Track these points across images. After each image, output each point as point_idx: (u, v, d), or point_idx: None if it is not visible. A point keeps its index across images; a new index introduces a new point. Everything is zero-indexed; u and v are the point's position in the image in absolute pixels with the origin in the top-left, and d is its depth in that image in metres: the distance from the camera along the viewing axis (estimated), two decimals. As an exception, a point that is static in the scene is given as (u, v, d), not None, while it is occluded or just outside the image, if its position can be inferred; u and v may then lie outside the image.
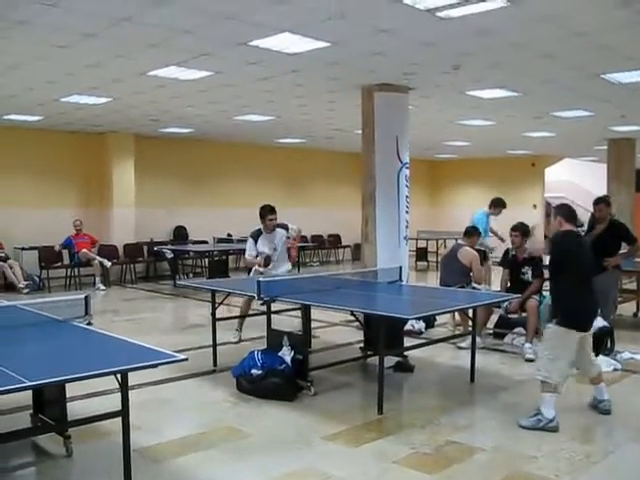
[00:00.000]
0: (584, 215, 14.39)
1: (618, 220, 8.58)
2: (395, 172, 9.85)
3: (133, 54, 7.95)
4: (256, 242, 8.80)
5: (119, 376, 3.98)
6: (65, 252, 14.59)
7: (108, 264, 14.54)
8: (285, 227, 9.07)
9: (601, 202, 8.25)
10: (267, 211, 8.86)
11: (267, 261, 8.63)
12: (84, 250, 14.29)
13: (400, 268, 8.31)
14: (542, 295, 8.38)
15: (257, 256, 8.72)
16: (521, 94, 10.61)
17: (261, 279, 6.76)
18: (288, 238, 9.08)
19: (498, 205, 11.47)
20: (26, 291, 13.25)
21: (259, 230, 8.87)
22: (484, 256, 10.46)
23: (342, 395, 6.59)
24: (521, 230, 8.47)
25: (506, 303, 8.35)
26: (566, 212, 5.82)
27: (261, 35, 7.13)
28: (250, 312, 8.79)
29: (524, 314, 8.32)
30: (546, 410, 5.43)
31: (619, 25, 6.77)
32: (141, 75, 9.08)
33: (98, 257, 14.49)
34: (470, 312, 7.39)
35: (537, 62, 8.40)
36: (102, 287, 14.31)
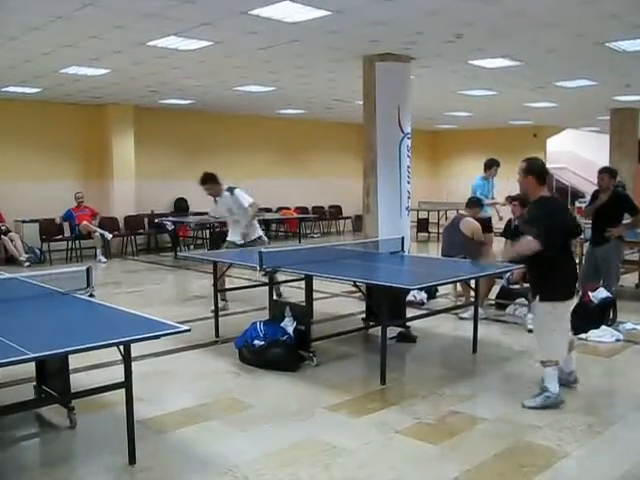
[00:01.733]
0: (585, 185, 14.40)
1: (622, 191, 8.54)
2: (396, 142, 9.80)
3: (132, 24, 7.85)
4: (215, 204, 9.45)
5: (122, 347, 3.98)
6: (66, 225, 14.58)
7: (109, 236, 14.55)
8: (231, 192, 9.29)
9: (604, 172, 8.20)
10: (200, 183, 9.33)
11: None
12: (85, 222, 14.29)
13: (402, 239, 8.29)
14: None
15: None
16: (524, 63, 10.51)
17: (263, 250, 6.74)
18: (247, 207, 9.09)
19: (490, 166, 10.83)
20: (27, 264, 13.24)
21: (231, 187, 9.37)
22: (488, 226, 10.37)
23: (345, 366, 6.60)
24: (520, 201, 8.41)
25: (508, 274, 8.35)
26: (538, 170, 5.39)
27: (261, 4, 7.04)
28: (253, 283, 8.78)
29: (526, 285, 8.30)
30: (552, 385, 5.32)
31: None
32: (140, 45, 8.98)
33: (99, 229, 14.47)
34: (472, 283, 7.39)
35: (540, 31, 8.31)
36: (103, 259, 14.30)
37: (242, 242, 8.96)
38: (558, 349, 5.42)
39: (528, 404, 5.31)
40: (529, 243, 5.14)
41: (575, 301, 5.69)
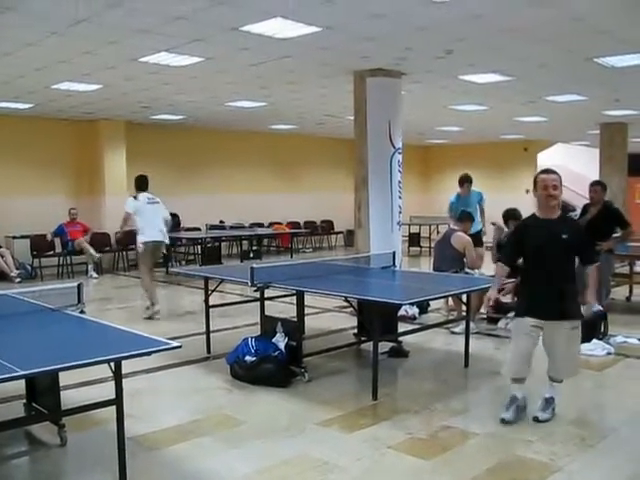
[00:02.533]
0: (575, 199, 14.48)
1: (612, 204, 8.58)
2: (388, 157, 9.83)
3: (125, 40, 7.88)
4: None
5: (113, 364, 3.95)
6: (57, 240, 14.54)
7: (96, 256, 14.54)
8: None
9: (596, 185, 8.25)
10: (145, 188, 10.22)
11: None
12: (79, 239, 14.27)
13: (394, 253, 8.31)
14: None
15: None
16: (514, 78, 10.58)
17: (255, 266, 6.74)
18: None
19: (463, 182, 10.72)
20: (18, 280, 13.18)
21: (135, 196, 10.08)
22: (479, 240, 10.42)
23: (336, 381, 6.59)
24: (514, 218, 8.47)
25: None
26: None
27: (253, 20, 7.08)
28: (243, 299, 8.78)
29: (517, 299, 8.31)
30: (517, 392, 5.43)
31: (613, 8, 6.75)
32: (132, 61, 9.01)
33: (90, 249, 14.44)
34: (464, 297, 7.40)
35: (531, 46, 8.37)
36: (95, 275, 14.27)
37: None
38: (507, 363, 5.52)
39: (540, 417, 5.30)
40: (496, 268, 5.53)
41: (551, 323, 5.20)
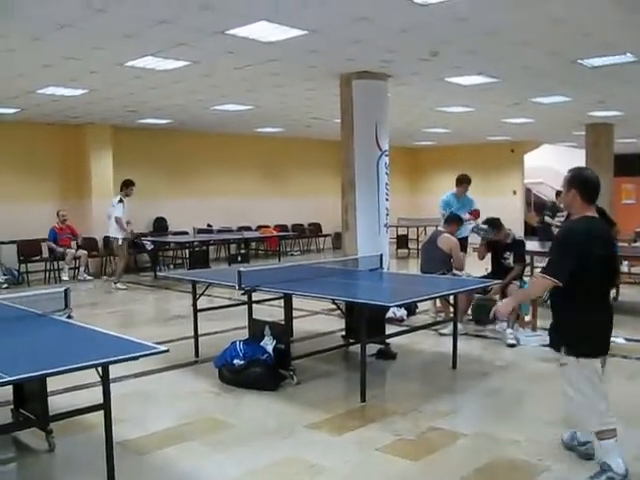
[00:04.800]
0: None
1: (596, 205, 8.62)
2: (375, 160, 9.85)
3: (109, 45, 7.87)
4: (123, 205, 13.03)
5: (100, 369, 3.95)
6: (44, 245, 14.48)
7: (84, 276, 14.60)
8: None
9: None
10: (131, 183, 13.19)
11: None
12: (71, 251, 14.30)
13: (381, 256, 8.32)
14: (523, 281, 8.43)
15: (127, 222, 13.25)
16: (500, 80, 10.62)
17: (242, 269, 6.74)
18: None
19: (462, 182, 10.76)
20: (5, 286, 13.12)
21: (121, 198, 13.13)
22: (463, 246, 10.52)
23: (325, 384, 6.60)
24: (496, 228, 8.49)
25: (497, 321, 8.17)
26: (587, 187, 4.28)
27: (238, 24, 7.08)
28: (231, 303, 8.79)
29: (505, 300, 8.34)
30: (614, 462, 4.13)
31: (595, 11, 6.79)
32: (117, 66, 9.00)
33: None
34: (451, 299, 7.42)
35: (515, 48, 8.41)
36: (88, 277, 14.31)
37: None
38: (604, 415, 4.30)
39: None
40: (541, 282, 4.28)
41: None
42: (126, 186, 13.08)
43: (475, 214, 10.46)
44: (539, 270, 4.51)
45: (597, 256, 4.12)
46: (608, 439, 4.17)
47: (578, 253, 4.08)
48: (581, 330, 4.23)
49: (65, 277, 14.05)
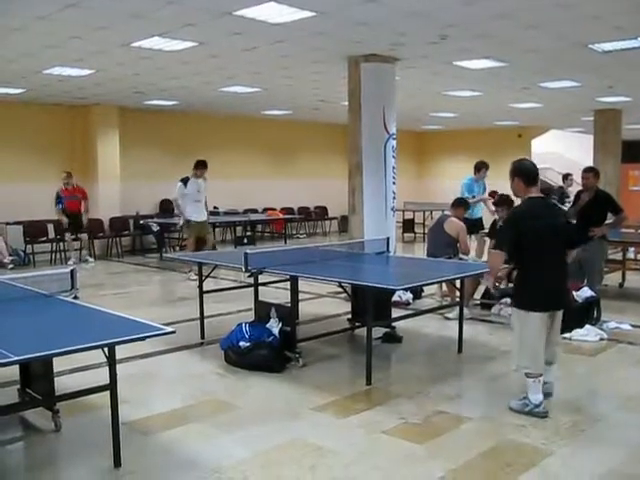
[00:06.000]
0: (570, 186, 14.54)
1: (604, 190, 8.60)
2: (382, 143, 9.81)
3: (116, 25, 7.83)
4: (185, 185, 11.89)
5: (106, 350, 3.96)
6: (51, 227, 14.48)
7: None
8: (205, 179, 12.19)
9: (590, 171, 8.26)
10: (200, 164, 12.04)
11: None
12: (69, 235, 14.09)
13: (387, 239, 8.31)
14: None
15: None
16: (508, 64, 10.55)
17: (248, 251, 6.73)
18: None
19: (480, 167, 11.41)
20: (11, 266, 13.13)
21: (187, 177, 12.04)
22: (480, 226, 10.76)
23: (330, 366, 6.60)
24: (505, 204, 8.51)
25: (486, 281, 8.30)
26: (525, 173, 5.28)
27: (246, 4, 7.03)
28: (237, 285, 8.80)
29: (511, 284, 8.32)
30: (532, 396, 5.13)
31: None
32: (124, 46, 8.96)
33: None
34: (457, 283, 7.41)
35: (524, 32, 8.34)
36: (90, 259, 14.29)
37: (204, 219, 12.19)
38: (526, 360, 5.18)
39: (510, 404, 5.27)
40: (491, 256, 5.30)
41: (556, 313, 5.26)
42: (195, 167, 12.03)
43: (493, 195, 11.27)
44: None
45: (534, 228, 5.06)
46: (532, 378, 5.15)
47: (517, 227, 5.12)
48: (520, 288, 5.29)
49: (71, 262, 13.71)
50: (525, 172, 5.27)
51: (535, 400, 5.13)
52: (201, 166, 11.97)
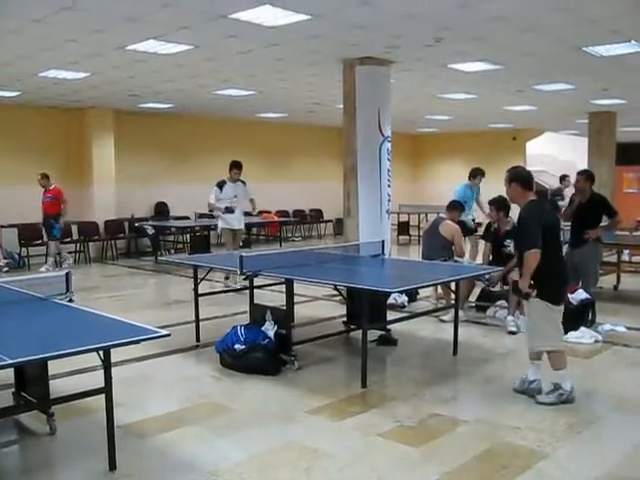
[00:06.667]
0: (565, 188, 14.61)
1: (599, 193, 8.61)
2: (377, 146, 9.81)
3: (111, 28, 7.82)
4: (221, 190, 11.15)
5: (101, 353, 3.96)
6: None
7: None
8: (244, 183, 11.48)
9: (581, 174, 8.28)
10: (234, 165, 11.29)
11: (228, 210, 11.22)
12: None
13: (383, 242, 8.31)
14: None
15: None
16: (503, 67, 10.58)
17: (244, 254, 6.74)
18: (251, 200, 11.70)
19: (476, 175, 11.52)
20: (5, 269, 13.09)
21: (223, 180, 11.27)
22: (474, 229, 10.80)
23: (326, 369, 6.61)
24: (495, 204, 8.52)
25: (488, 276, 8.38)
26: (521, 177, 5.58)
27: (241, 7, 7.04)
28: (232, 287, 8.79)
29: (506, 287, 8.34)
30: (565, 384, 5.45)
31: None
32: (120, 49, 8.96)
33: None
34: (452, 285, 7.42)
35: (519, 35, 8.37)
36: (66, 264, 13.84)
37: (239, 227, 11.54)
38: (556, 339, 5.54)
39: (542, 400, 5.46)
40: (531, 257, 5.28)
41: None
42: (229, 169, 11.30)
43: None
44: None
45: (552, 223, 5.49)
46: (561, 369, 5.46)
47: (540, 223, 5.32)
48: (546, 281, 5.40)
49: (43, 269, 13.22)
50: (522, 177, 5.55)
51: (568, 387, 5.44)
52: (235, 167, 11.23)
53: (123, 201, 16.25)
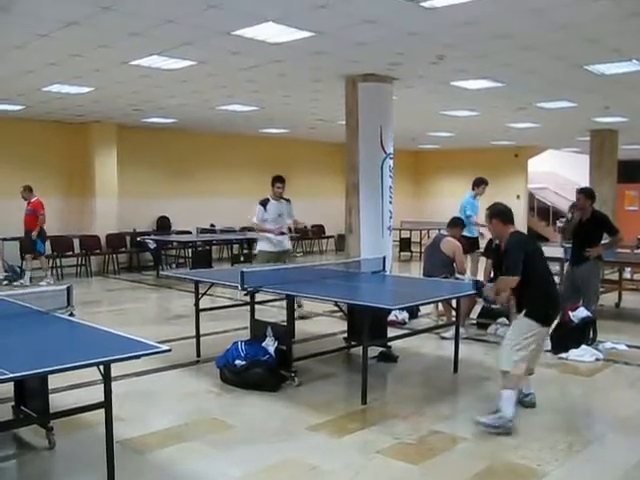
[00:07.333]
0: (566, 205, 14.62)
1: (600, 211, 8.63)
2: (379, 162, 9.83)
3: (115, 43, 7.87)
4: (265, 208, 9.92)
5: (102, 367, 3.95)
6: (47, 243, 14.42)
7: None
8: (288, 200, 10.40)
9: (578, 192, 8.30)
10: (276, 179, 10.17)
11: (281, 232, 9.98)
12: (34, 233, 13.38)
13: (384, 258, 8.32)
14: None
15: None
16: (505, 85, 10.62)
17: (245, 270, 6.74)
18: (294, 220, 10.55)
19: (479, 184, 11.44)
20: (5, 282, 13.08)
21: (267, 198, 10.10)
22: (476, 245, 10.74)
23: (326, 385, 6.59)
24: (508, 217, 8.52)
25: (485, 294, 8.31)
26: (501, 213, 5.68)
27: (245, 24, 7.08)
28: (233, 303, 8.78)
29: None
30: (509, 409, 5.21)
31: (603, 17, 6.78)
32: (123, 64, 9.00)
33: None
34: (453, 302, 7.42)
35: (521, 53, 8.41)
36: (44, 282, 13.36)
37: (289, 248, 10.36)
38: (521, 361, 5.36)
39: (481, 420, 5.27)
40: (509, 281, 5.40)
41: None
42: (271, 183, 10.29)
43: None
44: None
45: (538, 249, 5.65)
46: (511, 390, 5.29)
47: (524, 250, 5.42)
48: (536, 303, 5.45)
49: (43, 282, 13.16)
50: (501, 212, 5.70)
51: (510, 414, 5.21)
52: (277, 181, 10.12)
53: (125, 215, 16.27)
